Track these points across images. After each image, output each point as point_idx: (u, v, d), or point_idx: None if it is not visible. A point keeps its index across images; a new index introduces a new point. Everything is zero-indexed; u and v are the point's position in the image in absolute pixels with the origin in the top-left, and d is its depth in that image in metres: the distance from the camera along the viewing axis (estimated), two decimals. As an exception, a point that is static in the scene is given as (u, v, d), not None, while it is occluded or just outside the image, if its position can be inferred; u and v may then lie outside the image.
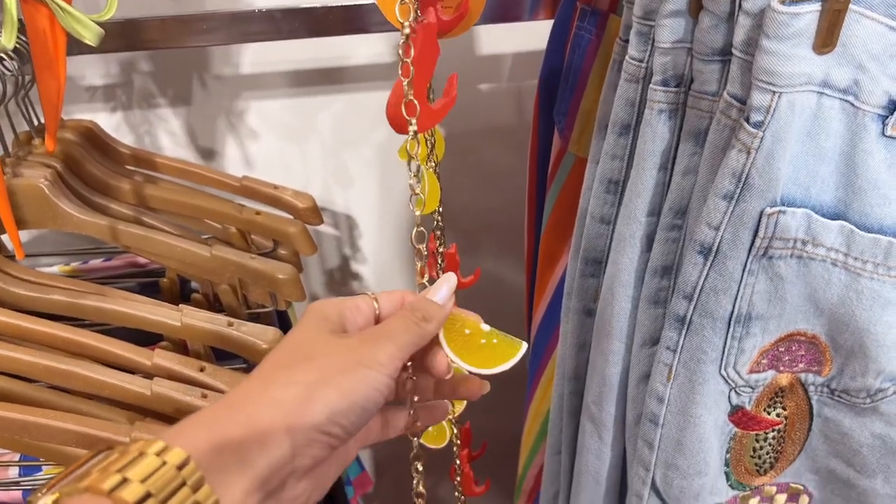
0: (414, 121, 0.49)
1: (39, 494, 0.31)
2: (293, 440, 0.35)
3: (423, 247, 0.49)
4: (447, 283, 0.44)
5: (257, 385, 0.37)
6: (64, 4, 0.53)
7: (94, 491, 0.30)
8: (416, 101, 0.48)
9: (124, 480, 0.30)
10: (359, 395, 0.37)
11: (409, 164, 0.50)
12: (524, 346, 0.44)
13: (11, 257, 0.65)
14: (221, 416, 0.36)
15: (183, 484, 0.31)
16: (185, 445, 0.33)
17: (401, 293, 0.44)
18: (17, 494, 0.58)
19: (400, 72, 0.47)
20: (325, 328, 0.40)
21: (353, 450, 0.44)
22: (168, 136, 0.98)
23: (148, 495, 0.30)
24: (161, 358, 0.56)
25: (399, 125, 0.49)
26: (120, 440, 0.48)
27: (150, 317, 0.58)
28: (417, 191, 0.49)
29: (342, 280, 1.11)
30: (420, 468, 0.50)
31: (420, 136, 0.62)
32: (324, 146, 1.00)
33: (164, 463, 0.31)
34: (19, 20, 0.53)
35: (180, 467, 0.32)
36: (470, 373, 0.44)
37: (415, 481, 0.50)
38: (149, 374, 0.56)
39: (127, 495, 0.30)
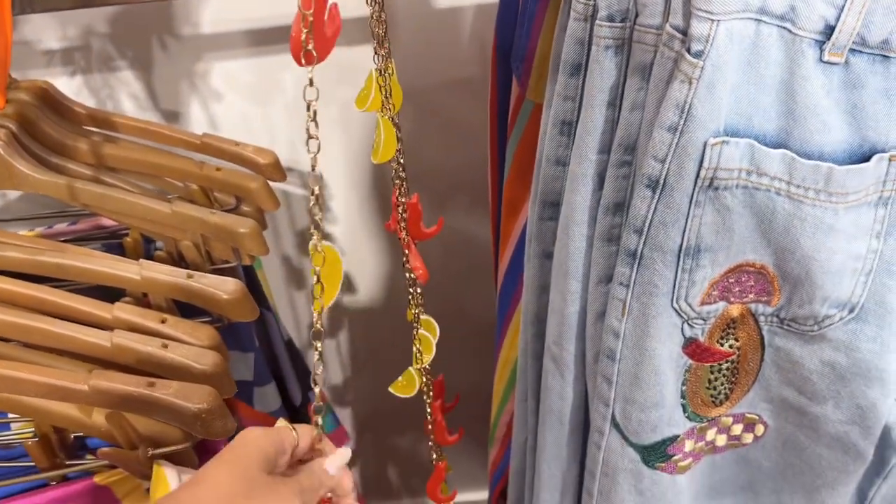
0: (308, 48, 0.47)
1: None
2: None
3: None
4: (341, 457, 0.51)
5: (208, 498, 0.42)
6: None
7: None
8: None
9: None
10: None
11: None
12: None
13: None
14: None
15: None
16: None
17: (310, 428, 0.51)
18: (-15, 452, 0.58)
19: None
20: (263, 466, 0.45)
21: None
22: (130, 100, 0.97)
23: None
24: (121, 311, 0.56)
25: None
26: (77, 388, 0.49)
27: (109, 271, 0.58)
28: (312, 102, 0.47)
29: (314, 241, 1.11)
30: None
31: (375, 84, 0.63)
32: (288, 105, 0.99)
33: None
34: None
35: None
36: None
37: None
38: (111, 329, 0.56)
39: None
